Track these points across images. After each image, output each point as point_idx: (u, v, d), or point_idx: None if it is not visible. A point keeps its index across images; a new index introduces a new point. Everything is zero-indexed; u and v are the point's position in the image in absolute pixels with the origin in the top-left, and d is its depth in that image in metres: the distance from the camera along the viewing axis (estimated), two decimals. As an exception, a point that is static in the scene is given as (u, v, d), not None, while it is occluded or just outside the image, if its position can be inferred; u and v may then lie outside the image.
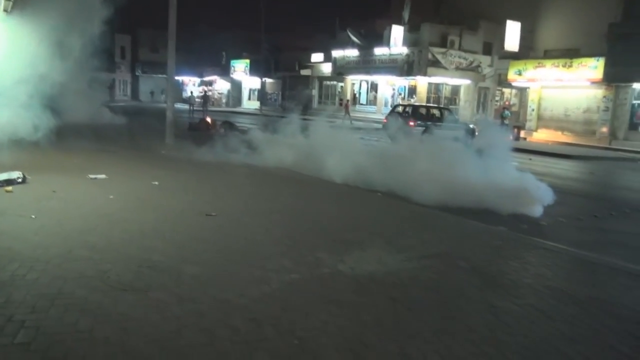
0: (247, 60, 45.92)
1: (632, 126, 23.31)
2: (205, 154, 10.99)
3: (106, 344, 3.00)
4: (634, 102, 23.24)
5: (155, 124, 16.43)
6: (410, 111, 20.86)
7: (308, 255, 4.85)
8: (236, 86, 50.48)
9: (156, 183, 7.91)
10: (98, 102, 21.76)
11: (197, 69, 52.10)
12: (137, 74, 58.69)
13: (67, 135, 11.82)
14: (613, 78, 22.68)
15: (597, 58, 23.14)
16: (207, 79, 53.21)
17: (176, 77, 34.72)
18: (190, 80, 55.87)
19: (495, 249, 5.53)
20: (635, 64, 21.35)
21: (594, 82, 23.61)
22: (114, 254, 4.52)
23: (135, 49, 58.08)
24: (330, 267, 4.55)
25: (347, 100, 33.22)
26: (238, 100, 50.36)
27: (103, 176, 8.06)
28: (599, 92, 24.11)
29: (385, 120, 20.23)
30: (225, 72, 49.51)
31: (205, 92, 40.01)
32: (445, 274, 4.60)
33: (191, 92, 38.85)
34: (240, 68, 47.49)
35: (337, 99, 38.15)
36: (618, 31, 22.58)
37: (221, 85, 52.63)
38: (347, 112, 29.40)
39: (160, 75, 54.67)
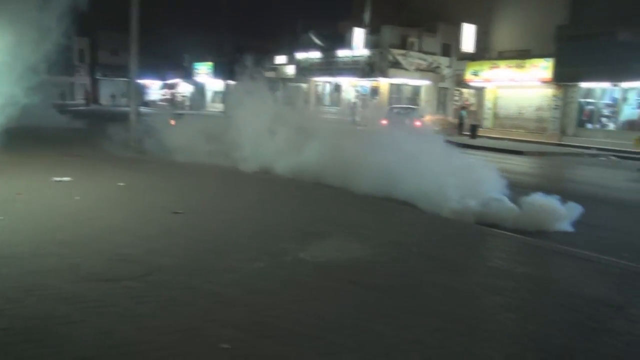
0: (211, 63, 45.75)
1: (580, 123, 24.61)
2: (171, 155, 11.13)
3: (82, 326, 3.23)
4: (581, 100, 24.54)
5: (119, 128, 16.36)
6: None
7: (272, 246, 5.16)
8: (199, 89, 50.16)
9: (122, 184, 8.04)
10: (50, 106, 21.35)
11: (159, 72, 51.48)
12: (97, 77, 57.45)
13: (25, 140, 11.71)
14: (562, 78, 23.90)
15: (547, 59, 24.33)
16: (169, 82, 52.65)
17: (138, 80, 34.36)
18: (152, 83, 55.11)
19: (446, 236, 5.98)
20: (581, 65, 22.58)
21: (544, 82, 24.81)
22: (84, 249, 4.70)
23: (94, 51, 56.83)
24: (292, 256, 4.87)
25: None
26: (202, 103, 50.02)
27: (68, 179, 8.13)
28: (549, 92, 25.33)
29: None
30: (188, 74, 49.14)
31: (172, 95, 39.68)
32: (399, 259, 4.99)
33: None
34: (203, 70, 47.25)
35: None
36: (565, 33, 23.82)
37: (184, 88, 52.18)
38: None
39: (121, 79, 53.71)
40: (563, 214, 6.77)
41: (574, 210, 6.86)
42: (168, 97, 47.29)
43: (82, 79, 56.38)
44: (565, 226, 6.75)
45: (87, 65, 56.95)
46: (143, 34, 15.88)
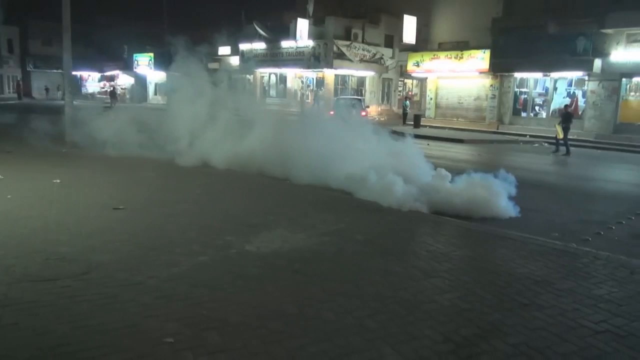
0: (151, 54, 44.25)
1: (516, 112, 25.81)
2: (109, 150, 10.75)
3: (15, 329, 3.11)
4: (516, 90, 25.72)
5: (53, 122, 15.61)
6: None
7: (216, 239, 5.14)
8: (140, 81, 48.47)
9: (58, 181, 7.71)
10: None
11: (97, 63, 49.28)
12: (28, 69, 54.24)
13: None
14: (498, 68, 24.93)
15: (483, 50, 25.29)
16: (108, 73, 50.55)
17: (74, 72, 32.74)
18: (89, 75, 52.75)
19: (388, 223, 6.15)
20: (515, 56, 23.64)
21: (482, 72, 25.79)
22: (17, 249, 4.51)
23: (24, 42, 53.57)
24: (237, 248, 4.88)
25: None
26: (143, 96, 48.39)
27: (-2, 176, 7.72)
28: (487, 82, 26.37)
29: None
30: (128, 66, 47.32)
31: (114, 87, 38.15)
32: (343, 247, 5.10)
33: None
34: (144, 62, 45.65)
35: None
36: (500, 25, 24.84)
37: (124, 80, 50.26)
38: None
39: (55, 71, 51.01)
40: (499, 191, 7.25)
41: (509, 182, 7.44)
42: (107, 89, 45.35)
43: (11, 71, 53.10)
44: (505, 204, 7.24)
45: (17, 56, 53.67)
46: (78, 23, 15.16)
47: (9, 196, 6.59)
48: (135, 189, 7.58)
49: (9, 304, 3.42)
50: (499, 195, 7.31)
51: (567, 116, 16.93)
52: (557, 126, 17.13)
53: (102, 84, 52.61)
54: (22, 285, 3.75)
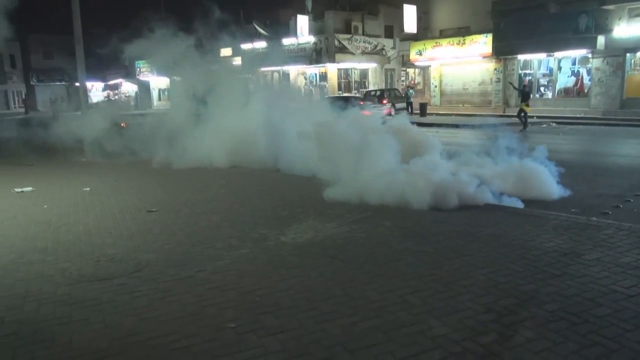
0: (154, 61, 44.46)
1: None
2: (127, 157, 11.01)
3: (86, 323, 3.35)
4: (520, 72, 25.74)
5: (65, 133, 15.88)
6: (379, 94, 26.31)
7: (251, 232, 5.36)
8: (144, 88, 48.80)
9: (88, 189, 7.97)
10: None
11: (99, 73, 49.61)
12: (32, 83, 54.71)
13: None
14: (501, 52, 24.97)
15: (485, 34, 25.32)
16: (111, 82, 50.91)
17: (77, 84, 33.07)
18: (92, 85, 53.08)
19: (410, 211, 6.31)
20: (517, 38, 23.66)
21: (485, 57, 25.83)
22: (67, 254, 4.75)
23: (26, 56, 54.01)
24: (273, 240, 5.10)
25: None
26: (148, 102, 48.73)
27: (30, 188, 7.97)
28: (490, 66, 26.40)
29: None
30: (130, 74, 47.63)
31: (117, 95, 38.44)
32: (372, 233, 5.30)
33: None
34: (146, 68, 45.91)
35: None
36: (500, 9, 24.84)
37: (128, 88, 50.61)
38: None
39: (58, 83, 51.52)
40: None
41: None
42: (112, 98, 45.72)
43: (15, 86, 53.62)
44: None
45: (20, 71, 54.15)
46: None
47: (45, 206, 6.85)
48: (162, 192, 7.81)
49: (75, 302, 3.65)
50: (546, 177, 7.43)
51: (526, 93, 18.90)
52: (522, 105, 18.70)
53: (105, 93, 52.99)
54: (81, 285, 3.99)
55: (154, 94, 48.87)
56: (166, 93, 46.11)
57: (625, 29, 21.36)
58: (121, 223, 5.87)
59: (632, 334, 3.10)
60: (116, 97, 42.58)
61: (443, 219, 5.74)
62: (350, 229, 5.45)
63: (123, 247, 4.90)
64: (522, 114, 18.61)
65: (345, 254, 4.64)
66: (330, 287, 3.86)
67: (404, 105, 25.92)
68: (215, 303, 3.62)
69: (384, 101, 24.82)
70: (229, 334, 3.16)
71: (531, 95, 20.19)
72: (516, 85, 22.91)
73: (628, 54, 21.80)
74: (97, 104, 43.20)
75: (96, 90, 55.31)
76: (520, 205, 6.69)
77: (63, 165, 11.00)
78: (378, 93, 26.90)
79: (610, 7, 21.30)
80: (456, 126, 20.29)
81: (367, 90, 29.76)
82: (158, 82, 47.04)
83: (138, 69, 46.66)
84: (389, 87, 30.79)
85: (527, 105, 18.74)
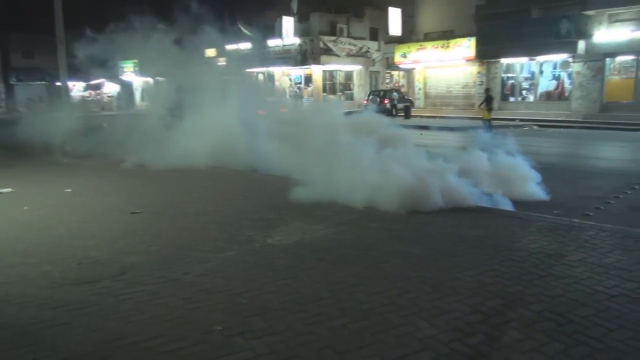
0: (136, 60, 44.01)
1: (504, 97, 26.19)
2: (109, 158, 10.85)
3: (71, 327, 3.28)
4: (503, 75, 26.09)
5: (47, 133, 15.61)
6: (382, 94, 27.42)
7: (237, 235, 5.32)
8: (127, 88, 48.22)
9: (69, 190, 7.84)
10: None
11: (80, 72, 48.89)
12: (11, 82, 53.65)
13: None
14: (484, 55, 25.28)
15: (469, 38, 25.62)
16: (93, 82, 50.18)
17: (57, 83, 32.59)
18: (74, 85, 52.27)
19: (396, 214, 6.32)
20: (500, 42, 23.99)
21: (469, 60, 26.13)
22: (49, 256, 4.66)
23: (6, 55, 52.96)
24: (260, 242, 5.07)
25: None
26: (130, 103, 48.14)
27: (9, 189, 7.81)
28: (474, 69, 26.71)
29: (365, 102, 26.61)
30: (113, 74, 46.98)
31: (99, 95, 37.91)
32: (360, 235, 5.30)
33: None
34: (129, 68, 45.41)
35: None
36: (484, 13, 25.16)
37: (110, 88, 49.98)
38: None
39: (39, 82, 50.60)
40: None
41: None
42: (93, 98, 45.13)
43: (-5, 86, 52.52)
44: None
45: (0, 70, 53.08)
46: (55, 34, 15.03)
47: (25, 207, 6.71)
48: (145, 193, 7.71)
49: (58, 306, 3.58)
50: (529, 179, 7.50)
51: (489, 99, 19.16)
52: (482, 109, 19.04)
53: (87, 93, 52.24)
54: (64, 288, 3.92)
55: (137, 95, 48.30)
56: (141, 93, 45.57)
57: (604, 34, 21.79)
58: (104, 225, 5.78)
59: (615, 334, 3.14)
60: (98, 97, 41.95)
61: (430, 221, 5.77)
62: (338, 230, 5.44)
63: (107, 250, 4.83)
64: (487, 119, 18.80)
65: (333, 255, 4.63)
66: (319, 289, 3.85)
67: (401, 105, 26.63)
68: (203, 306, 3.58)
69: (385, 101, 26.16)
70: (217, 337, 3.13)
71: (493, 101, 20.40)
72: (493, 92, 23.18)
73: (607, 59, 22.24)
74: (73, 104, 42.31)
75: (77, 90, 54.53)
76: (509, 205, 6.77)
77: (44, 166, 10.80)
78: (382, 93, 27.85)
79: (591, 12, 21.71)
80: (441, 129, 20.45)
81: (372, 90, 30.18)
82: (141, 83, 46.53)
83: (121, 69, 46.11)
84: (390, 87, 31.26)
85: (489, 111, 18.70)
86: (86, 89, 52.35)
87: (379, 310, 3.48)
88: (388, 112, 22.73)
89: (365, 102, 27.43)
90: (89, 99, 49.02)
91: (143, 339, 3.10)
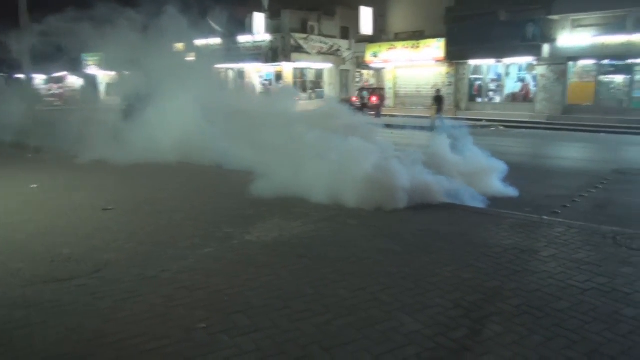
0: (101, 53, 42.84)
1: (472, 98, 26.72)
2: (77, 153, 10.50)
3: (46, 326, 3.17)
4: (471, 77, 26.61)
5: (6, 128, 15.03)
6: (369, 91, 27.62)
7: (215, 232, 5.25)
8: (91, 82, 46.84)
9: (35, 186, 7.56)
10: None
11: (41, 64, 47.23)
12: (-35, 73, 51.35)
13: None
14: (453, 56, 25.70)
15: (439, 39, 25.98)
16: (56, 75, 48.57)
17: (17, 75, 31.41)
18: (35, 78, 50.43)
19: (379, 208, 6.37)
20: (469, 44, 24.43)
21: (438, 61, 26.50)
22: (20, 254, 4.49)
23: (-40, 45, 50.60)
24: (238, 239, 5.01)
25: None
26: (94, 97, 46.79)
27: (-30, 184, 7.48)
28: (443, 70, 27.11)
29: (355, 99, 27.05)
30: (76, 67, 45.59)
31: (62, 89, 36.71)
32: (339, 231, 5.32)
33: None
34: (93, 62, 44.14)
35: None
36: (453, 15, 25.58)
37: (73, 82, 48.46)
38: None
39: (-4, 74, 48.48)
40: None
41: None
42: (56, 92, 43.68)
43: (-53, 77, 50.14)
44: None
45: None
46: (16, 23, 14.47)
47: (-11, 203, 6.44)
48: (116, 189, 7.51)
49: (31, 305, 3.45)
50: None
51: (439, 99, 19.86)
52: (431, 108, 19.95)
53: (48, 86, 50.52)
54: (37, 287, 3.78)
55: (102, 89, 47.01)
56: (106, 87, 44.34)
57: (568, 39, 22.49)
58: (75, 222, 5.60)
59: (590, 326, 3.26)
60: (60, 90, 40.63)
61: (407, 218, 5.83)
62: (317, 227, 5.44)
63: (79, 247, 4.68)
64: (433, 117, 19.46)
65: (314, 252, 4.63)
66: (301, 286, 3.84)
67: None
68: (184, 303, 3.52)
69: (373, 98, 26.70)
70: (201, 334, 3.08)
71: (444, 103, 21.10)
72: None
73: (570, 62, 22.96)
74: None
75: (39, 83, 52.65)
76: (480, 201, 6.92)
77: (7, 161, 10.39)
78: (370, 91, 28.07)
79: (556, 17, 22.38)
80: (415, 128, 20.68)
81: (361, 87, 30.28)
82: (105, 76, 45.32)
83: (85, 62, 44.81)
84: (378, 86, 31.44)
85: (438, 111, 19.48)
86: (48, 82, 50.63)
87: (363, 306, 3.50)
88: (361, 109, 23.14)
89: (355, 98, 27.68)
90: (51, 92, 47.41)
91: (124, 337, 3.03)
